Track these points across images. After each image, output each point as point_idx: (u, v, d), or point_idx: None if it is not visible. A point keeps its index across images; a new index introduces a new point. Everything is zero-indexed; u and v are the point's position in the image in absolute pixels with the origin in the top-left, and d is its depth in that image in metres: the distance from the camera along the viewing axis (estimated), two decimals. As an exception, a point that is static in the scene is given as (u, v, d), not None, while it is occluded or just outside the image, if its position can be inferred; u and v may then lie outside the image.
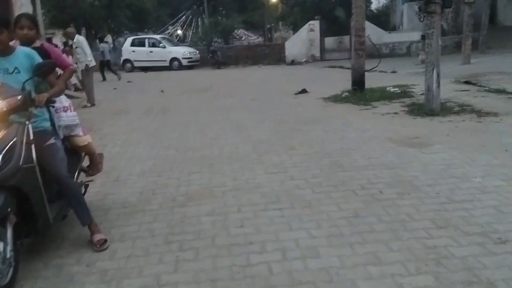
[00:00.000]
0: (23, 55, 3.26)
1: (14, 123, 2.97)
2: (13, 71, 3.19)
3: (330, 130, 6.93)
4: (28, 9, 14.10)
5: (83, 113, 10.19)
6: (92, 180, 4.25)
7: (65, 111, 3.82)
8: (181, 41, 35.39)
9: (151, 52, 23.86)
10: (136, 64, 24.13)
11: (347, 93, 9.81)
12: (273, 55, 25.26)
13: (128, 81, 17.26)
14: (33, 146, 2.98)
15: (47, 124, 3.42)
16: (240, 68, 23.67)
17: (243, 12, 35.05)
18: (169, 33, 39.96)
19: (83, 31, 35.09)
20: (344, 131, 6.86)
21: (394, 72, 14.72)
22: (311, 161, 5.36)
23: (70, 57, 13.07)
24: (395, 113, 7.90)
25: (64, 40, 11.95)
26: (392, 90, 9.80)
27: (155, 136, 7.20)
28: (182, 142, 6.70)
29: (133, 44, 24.50)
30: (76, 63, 11.03)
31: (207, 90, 13.08)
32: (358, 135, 6.50)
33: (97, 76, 18.16)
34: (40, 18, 22.29)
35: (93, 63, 11.41)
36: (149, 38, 24.86)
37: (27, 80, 3.12)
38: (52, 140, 3.36)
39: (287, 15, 34.08)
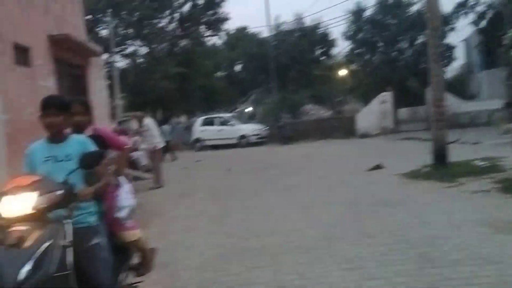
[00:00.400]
0: (76, 143, 2.99)
1: (52, 221, 2.61)
2: (63, 159, 2.92)
3: (412, 213, 6.10)
4: (104, 94, 14.80)
5: (149, 195, 10.08)
6: (142, 281, 3.76)
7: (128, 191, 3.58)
8: (251, 118, 36.00)
9: (220, 130, 24.28)
10: (206, 142, 24.54)
11: (427, 168, 8.94)
12: (343, 128, 24.71)
13: (197, 160, 17.33)
14: (70, 250, 2.56)
15: (93, 219, 3.02)
16: (309, 142, 23.27)
17: (311, 87, 35.30)
18: (239, 111, 40.96)
19: (160, 112, 36.98)
20: (428, 214, 6.00)
21: (476, 143, 13.55)
22: (392, 253, 4.58)
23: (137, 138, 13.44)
24: (486, 191, 6.94)
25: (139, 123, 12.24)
26: (479, 164, 8.82)
27: (217, 221, 6.73)
28: (244, 227, 6.15)
29: (203, 123, 25.13)
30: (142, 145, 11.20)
31: (274, 168, 12.65)
32: (446, 219, 5.64)
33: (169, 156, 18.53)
34: (119, 103, 23.66)
35: (161, 144, 11.46)
36: (218, 117, 25.46)
37: (70, 173, 2.80)
38: (96, 239, 2.95)
39: (356, 87, 33.91)
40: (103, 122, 14.31)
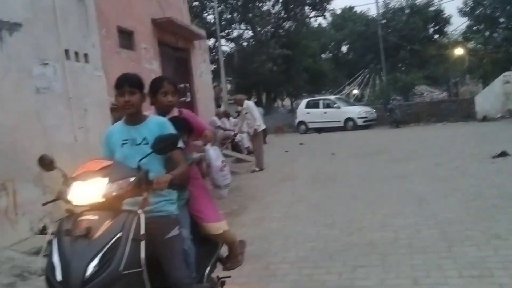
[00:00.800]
0: (155, 124, 2.70)
1: (124, 211, 2.33)
2: (141, 142, 2.65)
3: (551, 211, 5.09)
4: (208, 77, 14.91)
5: (250, 178, 9.87)
6: (229, 276, 3.40)
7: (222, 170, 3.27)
8: (358, 100, 34.69)
9: (325, 113, 23.45)
10: (310, 125, 23.87)
11: None
12: (460, 111, 22.64)
13: (300, 143, 16.88)
14: (143, 244, 2.25)
15: (173, 208, 2.71)
16: (422, 126, 21.66)
17: (424, 67, 32.93)
18: (346, 93, 39.71)
19: (264, 95, 37.14)
20: None
21: None
22: (528, 260, 3.76)
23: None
24: None
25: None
26: None
27: (318, 210, 6.23)
28: (348, 219, 5.58)
29: (307, 106, 24.46)
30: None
31: (382, 153, 11.75)
32: None
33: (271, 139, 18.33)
34: (224, 86, 23.96)
35: (262, 127, 11.17)
36: (323, 99, 24.58)
37: (143, 158, 2.50)
38: (175, 231, 2.64)
39: (475, 67, 31.02)
40: (207, 104, 14.46)
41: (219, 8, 29.12)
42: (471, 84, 38.81)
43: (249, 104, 11.38)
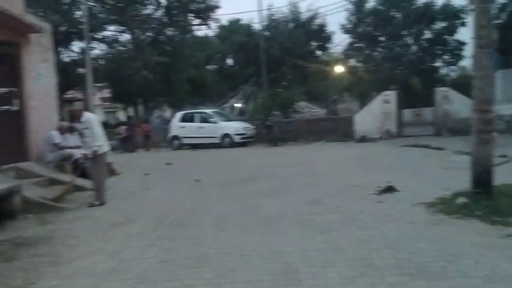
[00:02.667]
0: None
1: None
2: None
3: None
4: (50, 81, 11.95)
5: (76, 218, 7.27)
6: None
7: None
8: (242, 114, 33.24)
9: (201, 128, 21.42)
10: (185, 141, 21.73)
11: (464, 199, 6.24)
12: (339, 130, 22.07)
13: (167, 163, 14.56)
14: None
15: None
16: (300, 145, 20.58)
17: (305, 83, 32.56)
18: (230, 105, 38.18)
19: (141, 105, 34.10)
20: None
21: (504, 157, 10.50)
22: None
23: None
24: None
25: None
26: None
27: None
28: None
29: (183, 119, 22.27)
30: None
31: (253, 181, 9.88)
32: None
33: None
34: (90, 93, 20.82)
35: (104, 148, 8.66)
36: (200, 113, 22.50)
37: None
38: None
39: (354, 85, 31.34)
40: (46, 115, 11.48)
41: (91, 5, 26.00)
42: (349, 102, 39.65)
43: (90, 117, 8.77)
